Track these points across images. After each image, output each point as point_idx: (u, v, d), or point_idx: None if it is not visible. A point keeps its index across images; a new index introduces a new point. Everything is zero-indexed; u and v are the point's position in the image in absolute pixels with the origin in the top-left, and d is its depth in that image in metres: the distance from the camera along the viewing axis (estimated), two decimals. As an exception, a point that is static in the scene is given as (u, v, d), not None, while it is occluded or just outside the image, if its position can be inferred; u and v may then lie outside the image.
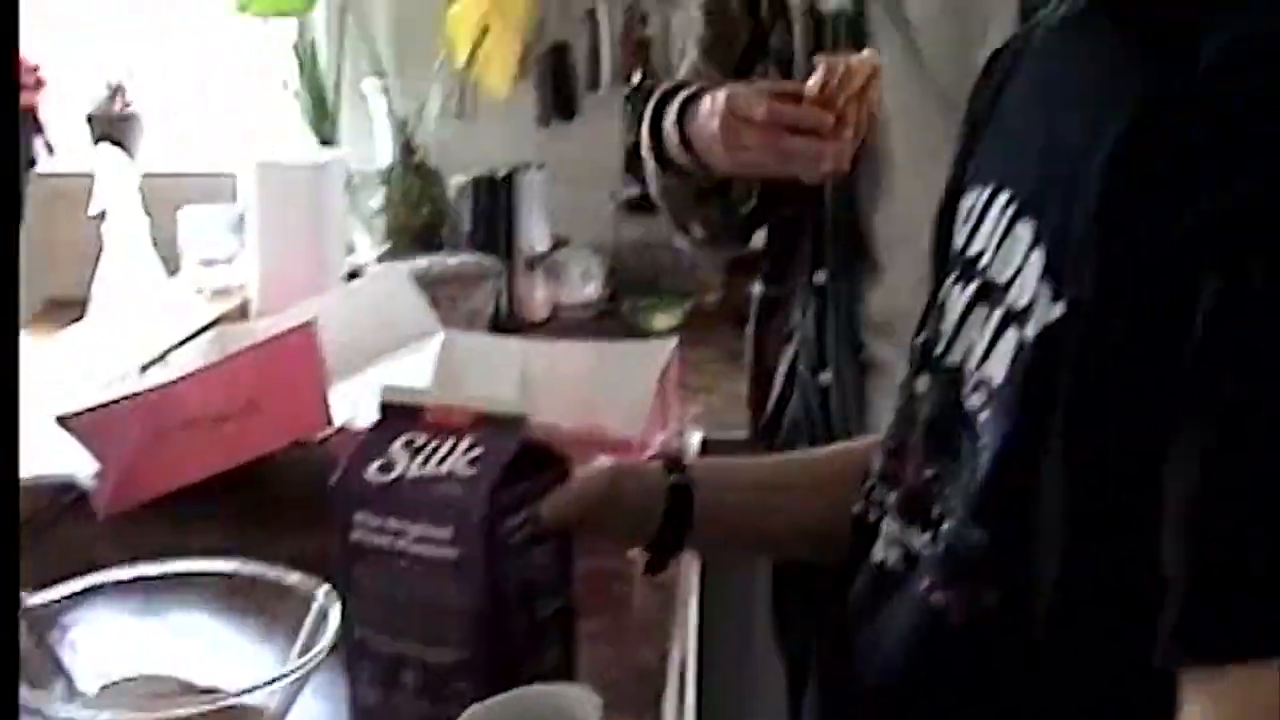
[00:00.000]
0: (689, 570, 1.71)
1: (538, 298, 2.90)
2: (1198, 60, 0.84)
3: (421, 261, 2.51)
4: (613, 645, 1.41)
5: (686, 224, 2.02)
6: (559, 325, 2.89)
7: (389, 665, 1.09)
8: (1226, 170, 0.81)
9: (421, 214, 2.82)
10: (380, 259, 2.71)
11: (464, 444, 1.08)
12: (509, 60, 2.95)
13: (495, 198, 2.87)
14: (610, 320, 2.93)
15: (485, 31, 2.89)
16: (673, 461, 1.30)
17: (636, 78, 3.02)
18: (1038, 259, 0.93)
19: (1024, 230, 0.97)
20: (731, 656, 2.29)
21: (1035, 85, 1.07)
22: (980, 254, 1.02)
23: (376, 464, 1.09)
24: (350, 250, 2.68)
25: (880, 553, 1.09)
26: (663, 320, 2.86)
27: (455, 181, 2.88)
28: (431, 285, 2.33)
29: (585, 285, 2.96)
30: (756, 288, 2.07)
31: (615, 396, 1.81)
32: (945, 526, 1.00)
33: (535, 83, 3.10)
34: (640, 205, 3.02)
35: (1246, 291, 0.79)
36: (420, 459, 1.08)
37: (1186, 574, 0.81)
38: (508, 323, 2.78)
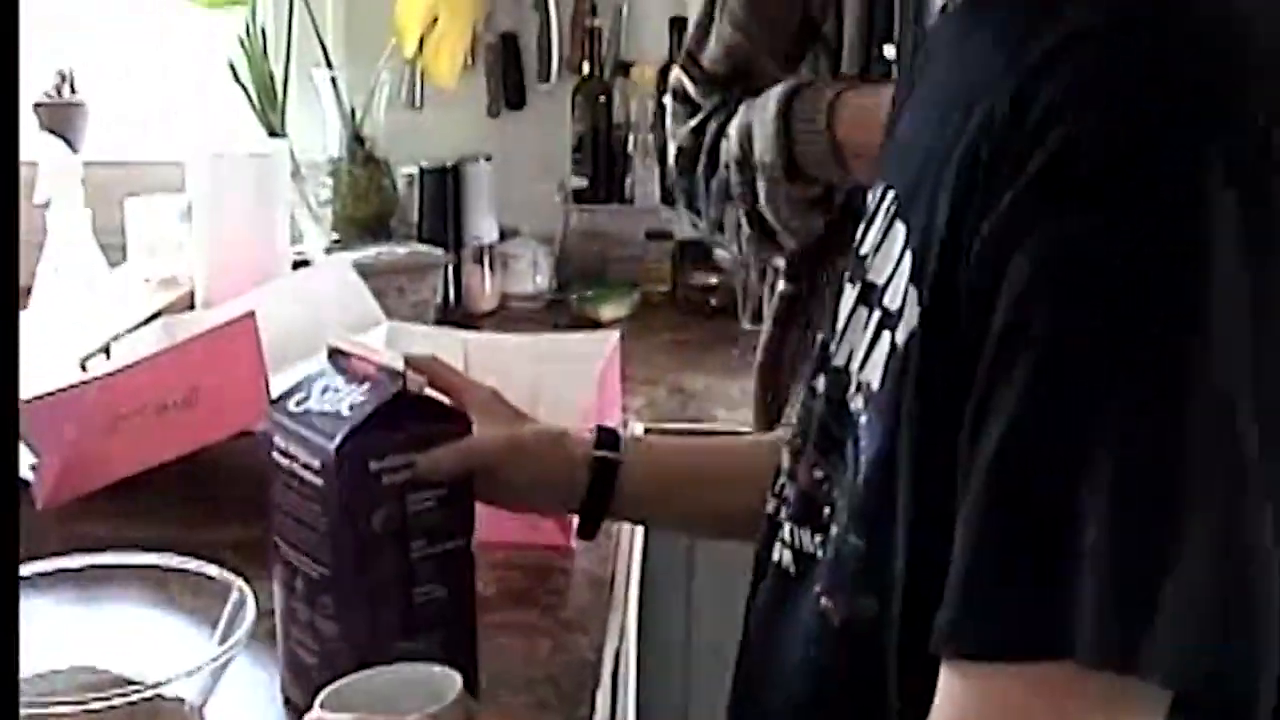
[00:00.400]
0: (629, 563, 1.71)
1: (485, 288, 2.90)
2: (1036, 55, 0.84)
3: (369, 252, 2.51)
4: (549, 637, 1.41)
5: (778, 233, 1.88)
6: (507, 316, 2.90)
7: (288, 570, 1.21)
8: (1021, 173, 0.81)
9: (370, 204, 2.81)
10: (328, 249, 2.70)
11: (360, 389, 1.19)
12: (458, 50, 2.93)
13: (443, 188, 2.87)
14: (558, 311, 2.93)
15: (434, 21, 2.89)
16: (606, 434, 1.35)
17: (585, 68, 3.02)
18: (908, 262, 0.93)
19: (899, 232, 0.96)
20: (674, 650, 2.30)
21: (926, 82, 1.06)
22: (867, 255, 1.01)
23: (297, 397, 1.22)
24: (298, 240, 2.67)
25: (778, 553, 1.10)
26: (610, 311, 2.86)
27: (404, 172, 2.87)
28: (378, 275, 2.33)
29: (533, 276, 2.96)
30: (781, 285, 2.01)
31: (557, 389, 1.82)
32: (833, 530, 1.01)
33: (485, 72, 3.10)
34: (588, 196, 3.04)
35: (1034, 298, 0.80)
36: (325, 398, 1.20)
37: (960, 568, 0.82)
38: (455, 313, 2.79)
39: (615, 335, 1.91)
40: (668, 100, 2.00)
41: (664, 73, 2.97)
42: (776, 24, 1.88)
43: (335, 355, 1.25)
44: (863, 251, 1.03)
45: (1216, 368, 0.77)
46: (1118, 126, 0.79)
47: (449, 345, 1.94)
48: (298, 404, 1.21)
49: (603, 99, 3.03)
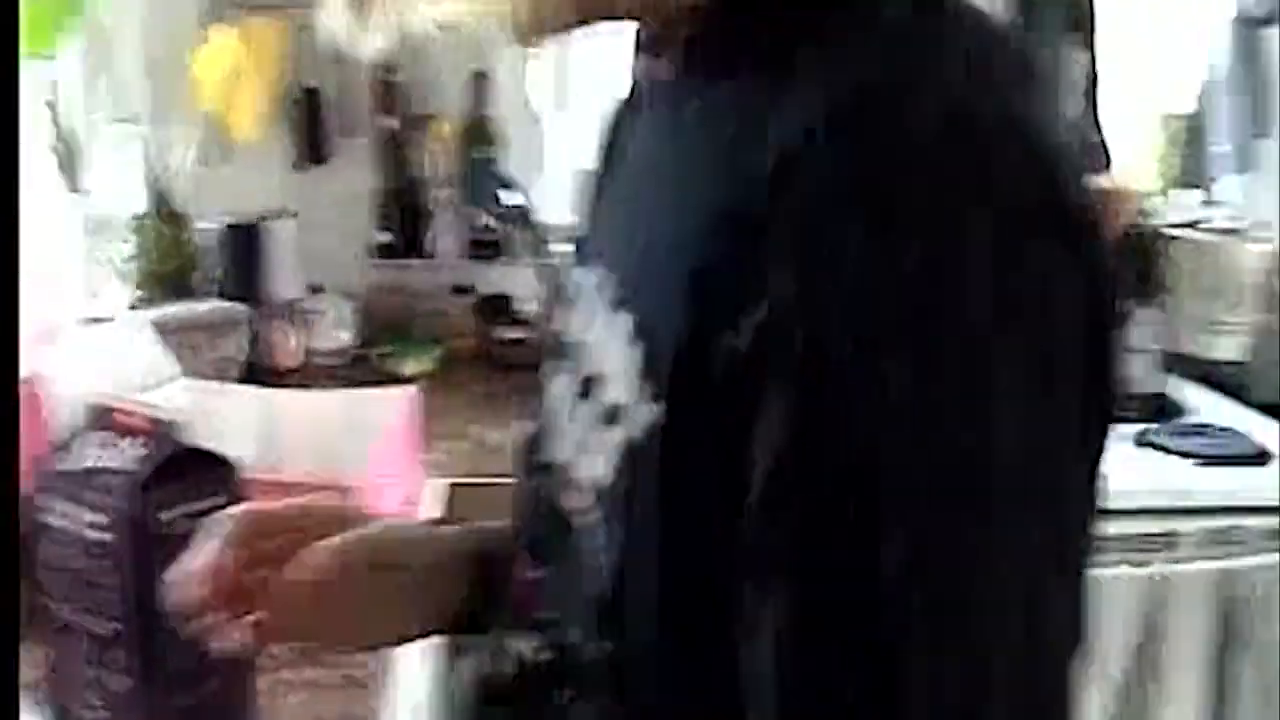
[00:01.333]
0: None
1: (289, 345, 2.88)
2: (766, 155, 0.78)
3: (168, 309, 2.49)
4: (337, 693, 1.41)
5: None
6: (310, 372, 2.87)
7: (64, 632, 1.21)
8: (776, 278, 0.75)
9: (172, 261, 2.79)
10: (133, 306, 2.68)
11: (137, 444, 1.20)
12: (260, 104, 2.93)
13: (246, 244, 2.86)
14: (362, 367, 2.91)
15: (236, 75, 2.88)
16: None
17: (387, 122, 3.03)
18: (637, 356, 0.86)
19: (623, 323, 0.89)
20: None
21: (636, 160, 0.99)
22: (582, 343, 0.95)
23: (63, 457, 1.23)
24: (96, 297, 2.64)
25: (491, 656, 1.03)
26: (414, 366, 2.86)
27: (206, 228, 2.85)
28: (177, 333, 2.32)
29: (337, 332, 2.96)
30: None
31: (357, 444, 1.83)
32: (570, 635, 0.94)
33: (287, 127, 3.09)
34: (392, 251, 3.04)
35: (799, 414, 0.75)
36: (99, 454, 1.21)
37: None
38: (259, 370, 2.77)
39: (412, 390, 1.93)
40: None
41: (469, 128, 3.00)
42: None
43: (97, 412, 1.26)
44: (573, 340, 0.97)
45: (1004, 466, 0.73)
46: (861, 242, 0.74)
47: (249, 403, 1.95)
48: (68, 462, 1.21)
49: (405, 153, 3.04)
